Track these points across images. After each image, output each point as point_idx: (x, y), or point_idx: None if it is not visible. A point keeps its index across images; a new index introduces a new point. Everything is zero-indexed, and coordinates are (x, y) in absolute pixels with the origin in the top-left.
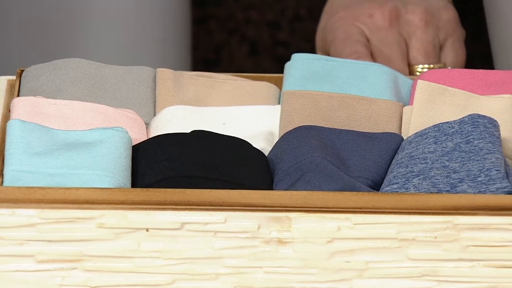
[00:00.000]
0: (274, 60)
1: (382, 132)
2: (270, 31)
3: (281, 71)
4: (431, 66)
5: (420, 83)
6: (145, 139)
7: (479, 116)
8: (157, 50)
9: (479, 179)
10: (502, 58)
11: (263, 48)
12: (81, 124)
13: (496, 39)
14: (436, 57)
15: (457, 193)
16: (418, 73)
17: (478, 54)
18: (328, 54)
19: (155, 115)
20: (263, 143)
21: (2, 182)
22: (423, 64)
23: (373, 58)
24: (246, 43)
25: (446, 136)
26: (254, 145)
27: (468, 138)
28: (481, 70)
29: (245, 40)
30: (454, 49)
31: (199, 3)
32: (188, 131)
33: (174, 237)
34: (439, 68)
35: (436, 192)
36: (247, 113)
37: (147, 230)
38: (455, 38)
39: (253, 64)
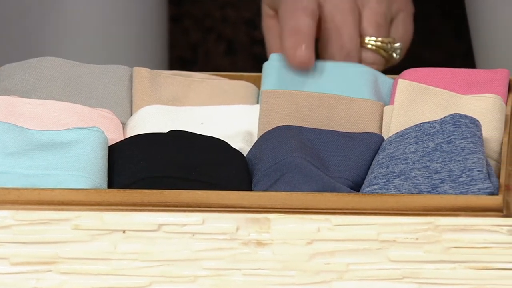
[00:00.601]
0: (251, 59)
1: (363, 132)
2: (247, 29)
3: (259, 70)
4: (380, 39)
5: (401, 83)
6: (121, 139)
7: (460, 116)
8: (133, 49)
9: (460, 179)
10: (483, 57)
11: (240, 46)
12: (56, 124)
13: (477, 38)
14: (387, 31)
15: (438, 193)
16: (366, 45)
17: (459, 53)
18: (275, 10)
19: (131, 115)
20: (242, 143)
21: None
22: (373, 36)
23: (324, 24)
24: (223, 42)
25: (427, 136)
26: (232, 145)
27: (450, 138)
28: (462, 69)
29: (222, 38)
30: (404, 24)
31: (175, 1)
32: (166, 131)
33: (151, 239)
34: (389, 43)
35: (417, 193)
36: (226, 113)
37: (123, 232)
38: (406, 14)
39: (230, 63)
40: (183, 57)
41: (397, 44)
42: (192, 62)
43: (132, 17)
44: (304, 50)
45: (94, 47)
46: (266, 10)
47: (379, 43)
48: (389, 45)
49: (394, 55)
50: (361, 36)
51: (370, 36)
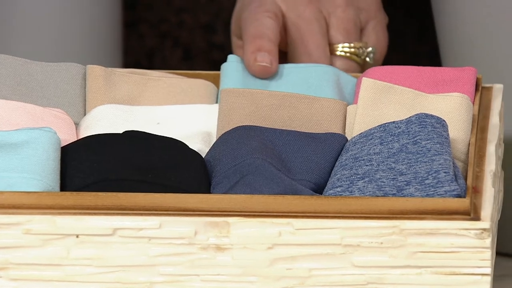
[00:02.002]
0: (209, 65)
1: (325, 133)
2: (205, 34)
3: None
4: (352, 45)
5: (365, 81)
6: (74, 140)
7: (426, 115)
8: (87, 56)
9: (427, 181)
10: (450, 56)
11: (197, 52)
12: (6, 124)
13: (443, 37)
14: (357, 36)
15: (404, 196)
16: (338, 53)
17: (424, 54)
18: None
19: (85, 115)
20: (200, 144)
21: None
22: (343, 43)
23: (289, 33)
24: (179, 47)
25: (392, 137)
26: (190, 146)
27: (416, 138)
28: (428, 67)
29: (178, 44)
30: (375, 32)
31: (130, 6)
32: (121, 132)
33: (106, 244)
34: (360, 47)
35: (382, 196)
36: (183, 113)
37: (77, 236)
38: (377, 22)
39: (187, 70)
40: (139, 63)
41: (370, 49)
42: (148, 69)
43: (84, 24)
44: (265, 55)
45: (45, 55)
46: (235, 41)
47: (351, 49)
48: (361, 50)
49: (368, 59)
50: (331, 45)
51: (341, 43)
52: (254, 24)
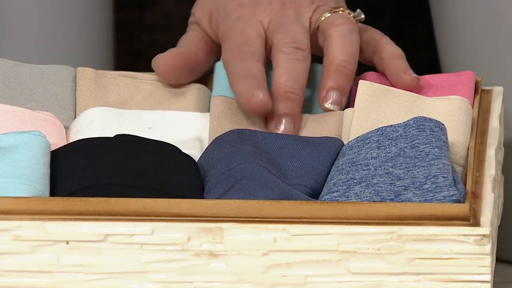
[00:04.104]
0: None
1: (321, 137)
2: None
3: None
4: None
5: (362, 84)
6: (65, 144)
7: (425, 119)
8: (76, 59)
9: (425, 186)
10: (449, 58)
11: None
12: None
13: (443, 40)
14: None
15: (401, 201)
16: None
17: (424, 57)
18: (214, 36)
19: (75, 118)
20: (193, 150)
21: None
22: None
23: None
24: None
25: (390, 141)
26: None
27: (414, 142)
28: (426, 75)
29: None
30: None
31: None
32: (111, 135)
33: (97, 250)
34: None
35: (379, 201)
36: (175, 118)
37: (67, 243)
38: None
39: None
40: None
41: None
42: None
43: (74, 25)
44: (261, 94)
45: (34, 62)
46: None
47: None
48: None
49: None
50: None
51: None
52: (242, 65)
